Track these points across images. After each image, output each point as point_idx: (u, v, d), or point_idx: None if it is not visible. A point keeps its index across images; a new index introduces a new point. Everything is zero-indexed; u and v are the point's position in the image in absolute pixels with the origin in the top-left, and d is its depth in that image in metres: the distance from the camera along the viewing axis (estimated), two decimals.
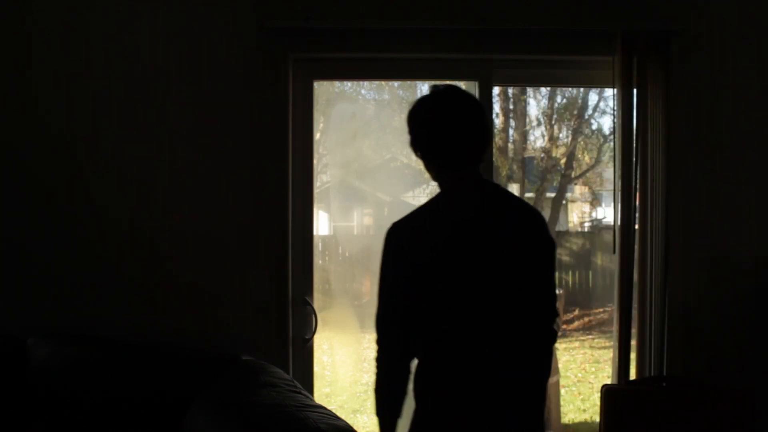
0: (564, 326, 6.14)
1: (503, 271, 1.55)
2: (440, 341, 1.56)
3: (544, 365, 1.60)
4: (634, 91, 2.47)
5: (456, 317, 1.55)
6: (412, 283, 1.55)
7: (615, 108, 2.50)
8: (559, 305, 4.13)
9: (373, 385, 1.61)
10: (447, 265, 1.54)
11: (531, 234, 1.58)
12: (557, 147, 6.50)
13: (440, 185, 1.64)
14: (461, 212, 1.57)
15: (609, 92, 6.13)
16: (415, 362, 1.61)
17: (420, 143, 1.60)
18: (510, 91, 6.17)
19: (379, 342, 1.61)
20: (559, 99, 6.40)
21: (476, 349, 1.53)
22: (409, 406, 1.62)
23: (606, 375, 5.38)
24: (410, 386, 1.61)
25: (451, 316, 1.55)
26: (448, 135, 1.55)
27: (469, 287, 1.54)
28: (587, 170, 6.69)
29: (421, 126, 1.59)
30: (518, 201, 1.68)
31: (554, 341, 1.65)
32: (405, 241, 1.58)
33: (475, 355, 1.53)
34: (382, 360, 1.60)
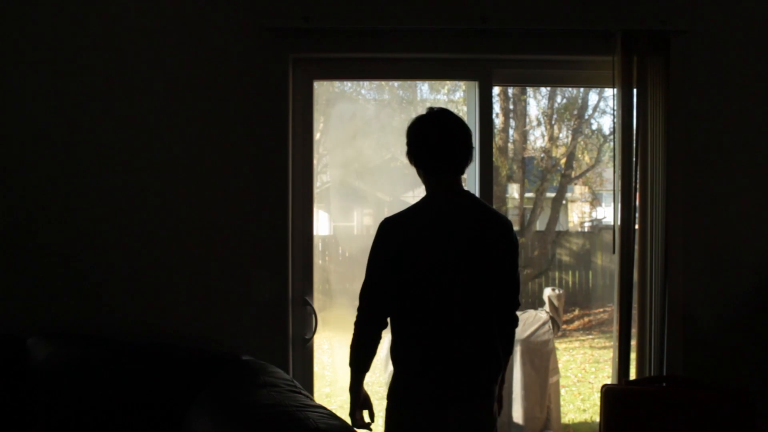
0: (564, 326, 6.14)
1: (470, 263, 1.86)
2: (414, 317, 1.87)
3: (505, 345, 2.00)
4: (634, 91, 2.47)
5: (427, 298, 1.84)
6: (392, 268, 1.84)
7: (615, 108, 2.51)
8: (559, 305, 4.14)
9: (350, 343, 1.93)
10: (422, 254, 1.84)
11: (497, 234, 1.91)
12: (557, 147, 6.49)
13: (426, 190, 1.96)
14: (438, 212, 1.88)
15: (609, 92, 6.13)
16: (387, 330, 1.93)
17: (412, 154, 1.94)
18: (510, 91, 6.17)
19: (359, 310, 1.90)
20: (559, 99, 6.39)
21: (442, 327, 1.85)
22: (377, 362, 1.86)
23: (606, 375, 5.38)
24: (380, 348, 1.94)
25: (424, 296, 1.85)
26: (433, 150, 1.88)
27: (439, 274, 1.84)
28: (587, 170, 6.68)
29: (414, 140, 1.92)
30: (489, 209, 1.98)
31: (516, 326, 2.05)
32: (392, 232, 1.88)
33: (442, 331, 1.85)
34: (359, 325, 1.90)
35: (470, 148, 1.91)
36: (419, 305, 1.85)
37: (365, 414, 2.00)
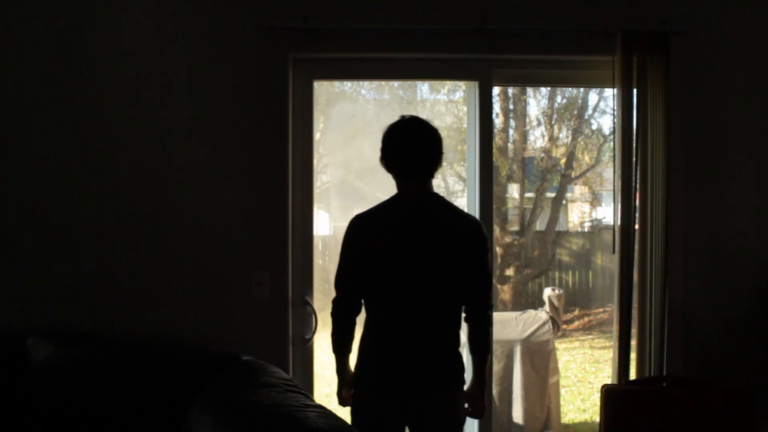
0: (564, 326, 6.15)
1: (430, 260, 1.95)
2: (377, 308, 2.01)
3: (478, 345, 2.10)
4: (634, 91, 2.47)
5: (389, 291, 1.97)
6: (361, 261, 1.98)
7: (615, 108, 2.51)
8: (559, 305, 4.14)
9: (330, 332, 2.09)
10: (383, 250, 1.97)
11: (461, 234, 2.00)
12: (557, 147, 6.49)
13: (397, 190, 2.07)
14: (402, 211, 2.01)
15: (609, 92, 6.13)
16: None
17: (382, 159, 2.06)
18: (510, 91, 6.17)
19: (334, 301, 2.05)
20: (559, 99, 6.40)
21: (401, 320, 1.97)
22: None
23: (606, 375, 5.38)
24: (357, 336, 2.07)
25: (386, 289, 1.97)
26: (400, 155, 2.02)
27: (399, 269, 1.95)
28: (587, 170, 6.68)
29: (384, 146, 2.05)
30: (455, 209, 2.06)
31: (487, 325, 2.11)
32: (359, 228, 2.01)
33: (401, 324, 1.97)
34: (335, 315, 2.05)
35: (436, 154, 2.03)
36: (382, 298, 1.99)
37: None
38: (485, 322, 2.09)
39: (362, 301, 2.04)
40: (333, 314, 2.06)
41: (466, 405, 2.10)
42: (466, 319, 2.10)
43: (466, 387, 2.09)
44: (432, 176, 2.05)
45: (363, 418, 2.01)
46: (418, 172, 2.02)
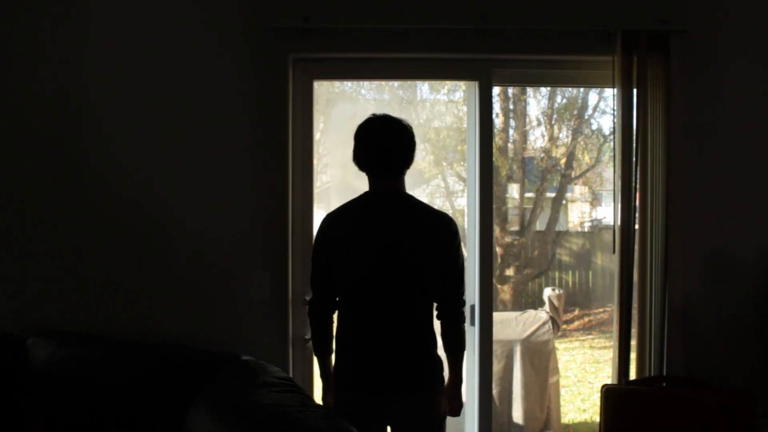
0: (564, 326, 6.15)
1: (393, 257, 1.95)
2: (346, 306, 2.02)
3: (449, 343, 2.07)
4: (634, 91, 2.47)
5: (355, 289, 1.98)
6: (331, 260, 2.00)
7: (615, 108, 2.51)
8: (559, 305, 4.14)
9: (310, 331, 2.13)
10: (349, 248, 1.98)
11: (427, 231, 1.98)
12: (557, 147, 6.49)
13: (369, 188, 2.08)
14: (367, 208, 2.02)
15: (609, 92, 6.13)
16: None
17: (354, 157, 2.07)
18: (510, 91, 6.16)
19: (309, 301, 2.10)
20: (559, 99, 6.40)
21: (367, 318, 1.98)
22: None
23: (606, 375, 5.38)
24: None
25: (353, 288, 1.98)
26: (369, 152, 2.02)
27: (364, 267, 1.96)
28: (587, 170, 6.68)
29: (355, 145, 2.06)
30: (424, 206, 2.06)
31: (458, 322, 2.07)
32: (329, 226, 2.03)
33: (366, 322, 1.98)
34: (311, 313, 2.09)
35: (404, 152, 2.03)
36: (349, 296, 2.00)
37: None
38: (457, 319, 2.06)
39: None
40: (309, 314, 2.10)
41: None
42: (437, 317, 2.07)
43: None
44: (401, 174, 2.05)
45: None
46: (386, 171, 2.02)
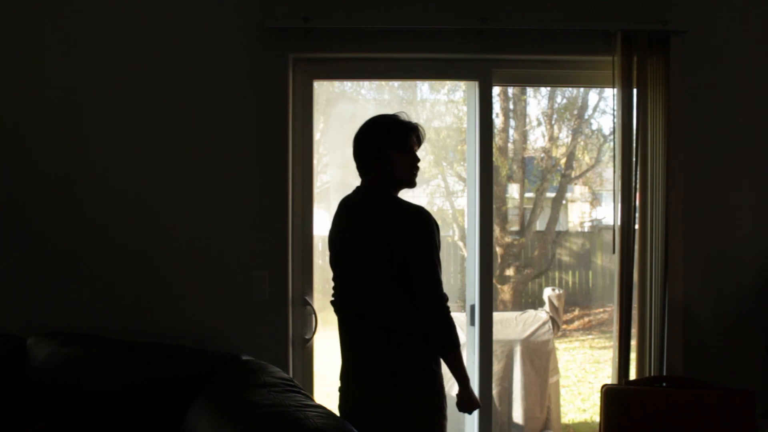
0: (564, 326, 6.14)
1: (367, 252, 1.97)
2: (335, 304, 2.10)
3: (432, 341, 1.96)
4: (634, 91, 2.47)
5: (336, 287, 2.08)
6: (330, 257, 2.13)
7: (615, 108, 2.51)
8: (559, 305, 4.14)
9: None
10: (331, 246, 2.12)
11: (393, 222, 1.95)
12: (557, 147, 6.49)
13: None
14: (344, 207, 2.12)
15: (609, 92, 6.12)
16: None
17: None
18: (510, 91, 6.16)
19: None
20: (559, 99, 6.39)
21: (345, 315, 2.06)
22: None
23: (606, 375, 5.38)
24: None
25: (335, 286, 2.09)
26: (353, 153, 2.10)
27: (341, 265, 2.05)
28: (587, 170, 6.67)
29: None
30: (399, 202, 2.03)
31: (436, 318, 1.95)
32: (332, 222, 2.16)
33: (345, 319, 2.06)
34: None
35: (363, 150, 2.04)
36: (335, 293, 2.10)
37: None
38: (432, 314, 1.93)
39: None
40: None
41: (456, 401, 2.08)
42: (418, 314, 1.95)
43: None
44: (370, 170, 2.04)
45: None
46: (358, 167, 2.09)
